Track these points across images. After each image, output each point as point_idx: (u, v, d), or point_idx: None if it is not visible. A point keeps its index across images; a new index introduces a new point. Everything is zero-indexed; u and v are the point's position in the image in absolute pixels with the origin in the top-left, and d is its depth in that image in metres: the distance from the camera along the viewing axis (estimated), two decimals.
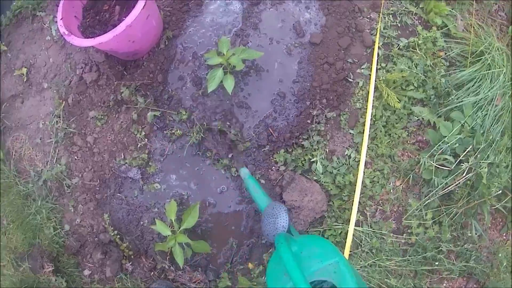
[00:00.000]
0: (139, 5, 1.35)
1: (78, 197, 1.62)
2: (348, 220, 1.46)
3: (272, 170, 1.48)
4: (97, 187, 1.60)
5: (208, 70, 1.48)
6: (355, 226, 1.46)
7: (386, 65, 1.51)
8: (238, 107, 1.50)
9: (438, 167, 1.45)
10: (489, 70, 1.49)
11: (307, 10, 1.53)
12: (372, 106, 1.47)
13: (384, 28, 1.53)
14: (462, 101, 1.47)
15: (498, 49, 1.52)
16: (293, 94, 1.49)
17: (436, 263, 1.51)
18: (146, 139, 1.55)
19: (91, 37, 1.40)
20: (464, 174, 1.42)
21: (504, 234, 1.63)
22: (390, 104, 1.45)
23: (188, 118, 1.51)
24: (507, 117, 1.51)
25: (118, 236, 1.52)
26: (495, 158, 1.45)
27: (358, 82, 1.50)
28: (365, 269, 1.49)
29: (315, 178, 1.47)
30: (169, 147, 1.55)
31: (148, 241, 1.54)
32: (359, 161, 1.46)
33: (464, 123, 1.47)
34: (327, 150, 1.49)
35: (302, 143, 1.47)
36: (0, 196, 1.71)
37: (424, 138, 1.53)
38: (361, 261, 1.49)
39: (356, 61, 1.51)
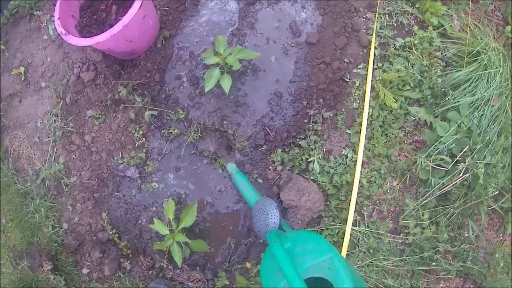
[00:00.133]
0: (136, 5, 1.35)
1: (76, 195, 1.62)
2: (345, 220, 1.46)
3: (269, 169, 1.48)
4: (95, 186, 1.60)
5: (205, 69, 1.48)
6: (352, 225, 1.46)
7: (382, 65, 1.51)
8: (235, 107, 1.50)
9: (435, 167, 1.45)
10: (486, 70, 1.49)
11: (303, 9, 1.54)
12: (369, 106, 1.48)
13: (380, 28, 1.53)
14: (458, 101, 1.48)
15: (494, 49, 1.53)
16: (290, 93, 1.49)
17: (433, 263, 1.51)
18: (143, 138, 1.55)
19: (88, 37, 1.40)
20: (461, 175, 1.42)
21: (501, 235, 1.63)
22: (387, 104, 1.45)
23: (185, 118, 1.51)
24: (504, 117, 1.52)
25: (116, 235, 1.52)
26: (491, 158, 1.45)
27: (355, 82, 1.51)
28: (363, 269, 1.49)
29: (312, 177, 1.47)
30: (167, 146, 1.55)
31: (146, 240, 1.54)
32: (356, 161, 1.46)
33: (460, 123, 1.48)
34: (324, 150, 1.49)
35: (299, 142, 1.47)
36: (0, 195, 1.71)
37: (421, 138, 1.53)
38: (358, 261, 1.49)
39: (353, 61, 1.51)
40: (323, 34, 1.49)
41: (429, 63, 1.51)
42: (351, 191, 1.45)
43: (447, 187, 1.45)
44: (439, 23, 1.54)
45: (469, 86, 1.50)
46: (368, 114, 1.48)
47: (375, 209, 1.52)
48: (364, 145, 1.47)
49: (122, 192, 1.57)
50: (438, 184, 1.45)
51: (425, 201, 1.48)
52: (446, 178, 1.45)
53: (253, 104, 1.49)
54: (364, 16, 1.53)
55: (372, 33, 1.51)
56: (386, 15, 1.55)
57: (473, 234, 1.52)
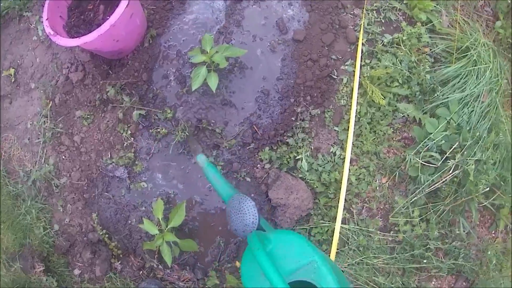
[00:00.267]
0: (123, 4, 1.35)
1: (67, 196, 1.62)
2: (335, 218, 1.45)
3: (257, 168, 1.48)
4: (85, 187, 1.60)
5: (192, 68, 1.48)
6: (341, 223, 1.45)
7: (370, 62, 1.50)
8: (222, 105, 1.50)
9: (424, 164, 1.44)
10: (475, 66, 1.48)
11: (290, 6, 1.53)
12: (357, 103, 1.47)
13: (368, 24, 1.52)
14: (447, 97, 1.46)
15: (484, 44, 1.51)
16: (277, 91, 1.48)
17: (424, 261, 1.50)
18: (132, 138, 1.55)
19: (76, 37, 1.40)
20: (450, 171, 1.41)
21: (493, 232, 1.62)
22: (375, 100, 1.44)
23: (173, 117, 1.51)
24: (494, 113, 1.50)
25: (107, 235, 1.53)
26: (482, 155, 1.44)
27: (342, 79, 1.50)
28: (353, 267, 1.48)
29: (300, 175, 1.46)
30: (155, 146, 1.55)
31: (137, 240, 1.54)
32: (345, 158, 1.46)
33: (450, 120, 1.46)
34: (312, 148, 1.48)
35: (287, 140, 1.47)
36: None
37: (410, 135, 1.52)
38: (348, 259, 1.48)
39: (340, 57, 1.50)
40: (310, 31, 1.48)
41: (417, 59, 1.50)
42: (340, 189, 1.44)
43: (437, 184, 1.44)
44: (427, 19, 1.53)
45: (458, 82, 1.49)
46: (356, 111, 1.47)
47: (365, 207, 1.51)
48: (353, 142, 1.46)
49: (111, 193, 1.57)
50: (427, 181, 1.44)
51: (415, 198, 1.47)
52: (436, 175, 1.44)
53: (241, 102, 1.49)
54: (352, 12, 1.52)
55: (360, 30, 1.50)
56: (374, 11, 1.54)
57: (464, 231, 1.51)
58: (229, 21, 1.51)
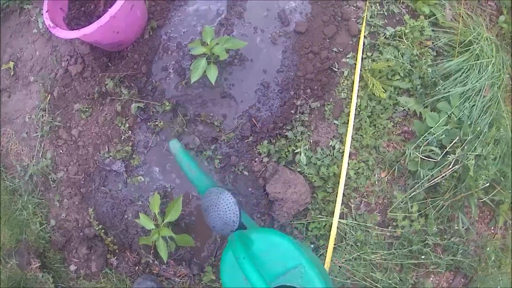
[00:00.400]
0: None
1: (64, 191, 1.62)
2: (332, 213, 1.45)
3: (255, 161, 1.47)
4: (81, 181, 1.60)
5: (192, 60, 1.47)
6: (339, 218, 1.44)
7: (372, 55, 1.49)
8: (222, 98, 1.49)
9: (424, 159, 1.43)
10: (477, 60, 1.46)
11: None
12: (357, 96, 1.45)
13: (370, 17, 1.51)
14: (449, 91, 1.45)
15: (487, 39, 1.49)
16: (277, 84, 1.47)
17: (422, 257, 1.49)
18: (130, 131, 1.54)
19: (76, 29, 1.40)
20: (450, 166, 1.40)
21: (492, 228, 1.61)
22: (376, 94, 1.43)
23: (172, 109, 1.50)
24: (496, 108, 1.49)
25: (103, 231, 1.52)
26: (482, 150, 1.42)
27: (343, 72, 1.48)
28: (350, 262, 1.47)
29: (298, 169, 1.45)
30: (153, 139, 1.54)
31: (133, 235, 1.53)
32: (344, 152, 1.45)
33: (451, 114, 1.45)
34: (311, 141, 1.47)
35: (285, 133, 1.46)
36: None
37: (410, 129, 1.51)
38: (345, 254, 1.48)
39: (342, 50, 1.49)
40: (312, 23, 1.46)
41: (419, 53, 1.48)
42: (338, 183, 1.44)
43: (436, 179, 1.42)
44: (430, 12, 1.51)
45: (460, 76, 1.47)
46: (356, 104, 1.45)
47: (363, 202, 1.50)
48: (352, 136, 1.45)
49: (108, 187, 1.56)
50: (427, 176, 1.43)
51: (414, 193, 1.46)
52: (436, 170, 1.43)
53: (240, 95, 1.48)
54: (354, 4, 1.51)
55: (362, 22, 1.49)
56: (377, 4, 1.52)
57: (463, 227, 1.50)
58: (230, 13, 1.50)
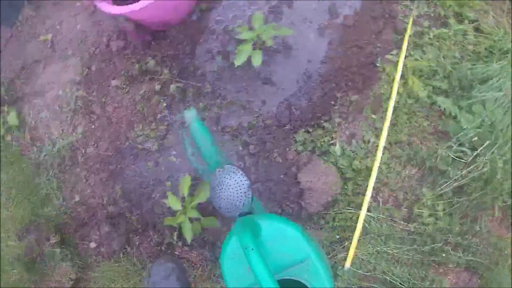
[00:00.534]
0: None
1: (91, 167, 1.61)
2: (361, 205, 1.48)
3: (290, 149, 1.50)
4: (111, 158, 1.59)
5: (237, 44, 1.48)
6: (367, 211, 1.47)
7: (414, 53, 1.51)
8: (263, 84, 1.51)
9: (454, 159, 1.46)
10: None
11: None
12: (397, 92, 1.48)
13: (417, 17, 1.53)
14: (484, 96, 1.48)
15: None
16: (319, 74, 1.49)
17: (443, 255, 1.52)
18: (166, 111, 1.55)
19: (122, 5, 1.39)
20: (479, 168, 1.43)
21: None
22: (414, 92, 1.45)
23: (212, 92, 1.52)
24: None
25: (128, 209, 1.52)
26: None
27: (385, 68, 1.51)
28: (372, 255, 1.51)
29: (332, 160, 1.48)
30: None
31: (158, 215, 1.52)
32: (378, 146, 1.47)
33: (484, 118, 1.48)
34: (347, 133, 1.50)
35: (323, 124, 1.48)
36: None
37: (444, 129, 1.54)
38: (369, 247, 1.51)
39: (386, 46, 1.51)
40: (360, 17, 1.48)
41: (460, 56, 1.51)
42: (370, 176, 1.46)
43: (464, 180, 1.46)
44: (474, 17, 1.54)
45: (496, 82, 1.50)
46: (395, 100, 1.48)
47: (391, 196, 1.53)
48: (388, 131, 1.48)
49: (138, 165, 1.56)
50: (456, 175, 1.46)
51: (442, 192, 1.49)
52: (465, 171, 1.46)
53: (281, 82, 1.50)
54: (403, 3, 1.53)
55: (409, 21, 1.51)
56: (424, 5, 1.54)
57: (484, 229, 1.54)
58: (281, 1, 1.51)
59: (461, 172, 1.46)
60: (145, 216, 1.54)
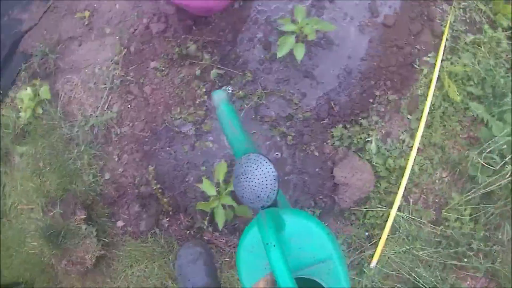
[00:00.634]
0: None
1: (125, 146, 1.60)
2: (392, 204, 1.49)
3: (327, 143, 1.50)
4: (146, 138, 1.58)
5: (279, 36, 1.50)
6: (397, 211, 1.48)
7: (451, 57, 1.55)
8: (304, 77, 1.52)
9: (484, 165, 1.49)
10: None
11: None
12: (433, 95, 1.51)
13: (453, 21, 1.57)
14: None
15: None
16: (359, 71, 1.51)
17: (465, 259, 1.54)
18: (205, 96, 1.54)
19: None
20: (507, 176, 1.47)
21: None
22: (450, 96, 1.49)
23: (252, 81, 1.52)
24: None
25: (160, 190, 1.51)
26: None
27: (423, 69, 1.54)
28: (398, 255, 1.51)
29: (367, 157, 1.49)
30: None
31: (190, 199, 1.52)
32: (412, 146, 1.50)
33: None
34: (383, 132, 1.52)
35: (360, 121, 1.50)
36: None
37: (476, 135, 1.57)
38: (396, 246, 1.52)
39: (424, 48, 1.55)
40: (400, 18, 1.52)
41: (494, 63, 1.55)
42: (402, 176, 1.48)
43: (492, 187, 1.49)
44: (508, 26, 1.59)
45: None
46: (431, 102, 1.51)
47: (421, 197, 1.55)
48: (422, 132, 1.50)
49: (173, 148, 1.56)
50: (484, 182, 1.49)
51: (470, 197, 1.52)
52: (493, 178, 1.49)
53: (322, 77, 1.51)
54: (441, 7, 1.57)
55: (446, 25, 1.55)
56: (461, 9, 1.59)
57: (507, 238, 1.56)
58: None
59: (490, 179, 1.49)
60: (177, 199, 1.53)
